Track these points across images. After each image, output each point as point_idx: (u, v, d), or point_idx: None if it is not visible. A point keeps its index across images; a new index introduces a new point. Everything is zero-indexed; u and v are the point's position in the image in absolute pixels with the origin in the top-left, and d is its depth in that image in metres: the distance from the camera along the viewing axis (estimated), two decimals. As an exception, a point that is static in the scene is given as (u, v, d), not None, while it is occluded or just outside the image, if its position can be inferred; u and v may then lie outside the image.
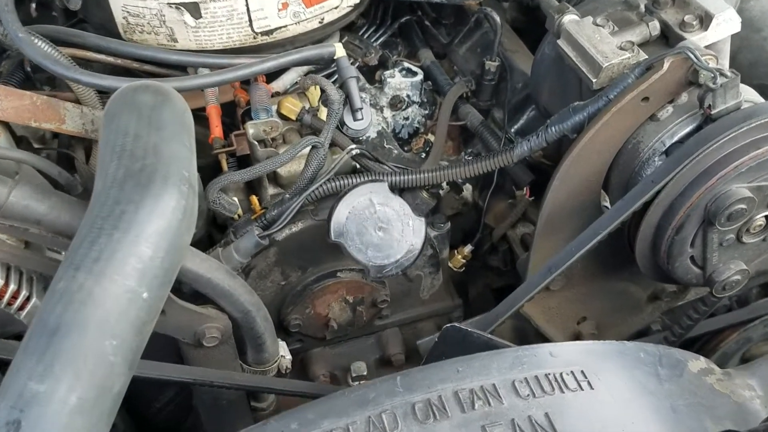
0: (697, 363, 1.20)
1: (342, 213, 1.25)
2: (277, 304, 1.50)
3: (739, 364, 1.77)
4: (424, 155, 1.82)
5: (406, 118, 1.87)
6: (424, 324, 1.70)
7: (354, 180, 1.38)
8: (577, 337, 1.63)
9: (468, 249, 1.77)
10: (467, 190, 1.77)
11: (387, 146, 1.80)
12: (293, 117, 1.51)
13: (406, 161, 1.79)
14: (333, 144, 1.54)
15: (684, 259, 1.27)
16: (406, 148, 1.86)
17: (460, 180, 1.41)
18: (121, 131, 1.07)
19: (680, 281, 1.31)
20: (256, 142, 1.41)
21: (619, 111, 1.24)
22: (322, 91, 1.48)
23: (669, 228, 1.22)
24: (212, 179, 1.40)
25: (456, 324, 1.14)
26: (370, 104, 1.82)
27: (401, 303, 1.63)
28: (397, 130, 1.87)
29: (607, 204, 1.44)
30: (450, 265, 1.77)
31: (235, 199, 1.41)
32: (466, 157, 1.82)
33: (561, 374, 1.01)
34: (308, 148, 1.41)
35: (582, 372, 1.03)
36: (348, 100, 1.51)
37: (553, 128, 1.32)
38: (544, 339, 1.63)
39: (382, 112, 1.84)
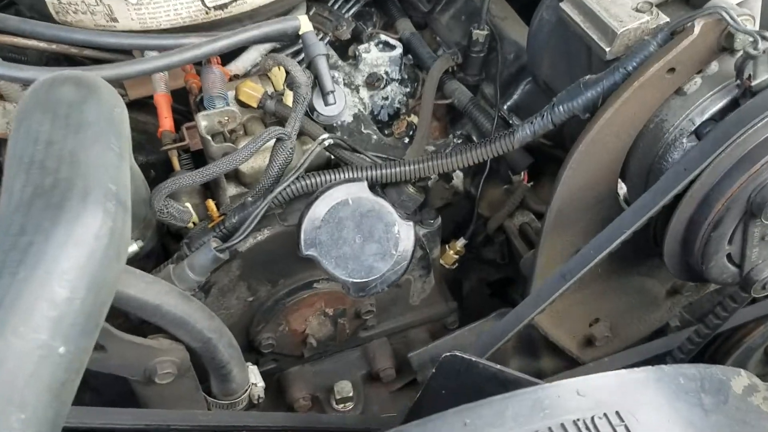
0: (740, 380, 1.02)
1: (314, 221, 1.04)
2: (244, 323, 1.30)
3: (763, 357, 1.61)
4: (407, 139, 1.61)
5: (386, 98, 1.65)
6: (416, 332, 1.51)
7: (328, 178, 1.17)
8: (589, 340, 1.44)
9: (461, 243, 1.57)
10: (458, 177, 1.57)
11: (365, 131, 1.59)
12: (254, 104, 1.29)
13: (387, 148, 1.58)
14: (302, 134, 1.33)
15: (720, 258, 1.08)
16: (386, 132, 1.65)
17: (451, 170, 1.22)
18: (31, 137, 0.85)
19: (713, 281, 1.13)
20: (210, 137, 1.19)
21: (641, 86, 1.03)
22: (287, 72, 1.26)
23: (705, 223, 1.03)
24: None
25: (457, 353, 0.94)
26: (344, 84, 1.60)
27: (389, 311, 1.44)
28: (375, 112, 1.65)
29: (624, 192, 1.24)
30: (441, 262, 1.57)
31: (188, 204, 1.19)
32: (455, 140, 1.61)
33: (592, 419, 0.83)
34: (272, 141, 1.19)
35: (617, 413, 0.84)
36: (317, 81, 1.29)
37: (560, 107, 1.11)
38: (551, 346, 1.44)
39: (357, 92, 1.62)
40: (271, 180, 1.19)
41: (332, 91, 1.29)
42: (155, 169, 1.44)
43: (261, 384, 1.26)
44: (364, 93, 1.63)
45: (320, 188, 1.08)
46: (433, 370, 0.96)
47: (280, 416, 1.22)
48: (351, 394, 1.37)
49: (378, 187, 1.26)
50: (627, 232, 1.01)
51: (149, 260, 1.28)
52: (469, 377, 0.95)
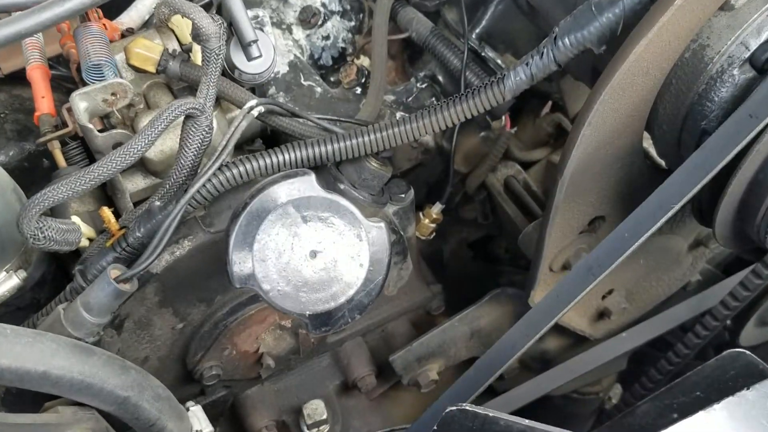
0: None
1: (245, 239, 0.74)
2: (178, 354, 1.01)
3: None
4: (359, 89, 1.30)
5: (326, 37, 1.33)
6: (396, 324, 1.24)
7: (261, 163, 0.86)
8: (602, 314, 1.20)
9: (437, 209, 1.29)
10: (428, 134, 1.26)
11: (306, 83, 1.27)
12: (151, 68, 0.96)
13: (335, 102, 1.26)
14: (223, 100, 1.01)
15: (790, 224, 0.82)
16: (333, 80, 1.33)
17: (423, 135, 0.93)
18: None
19: (774, 250, 0.88)
20: (90, 125, 0.86)
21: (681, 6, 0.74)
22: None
23: (775, 185, 0.77)
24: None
25: (466, 407, 0.68)
26: (272, 25, 1.27)
27: (360, 308, 1.16)
28: (316, 55, 1.33)
29: (650, 149, 0.97)
30: (416, 234, 1.29)
31: (76, 219, 0.88)
32: (417, 84, 1.31)
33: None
34: (181, 118, 0.88)
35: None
36: (233, 29, 0.97)
37: (566, 40, 0.82)
38: (561, 330, 1.20)
39: (290, 32, 1.29)
40: (184, 173, 0.88)
41: (255, 41, 0.98)
42: (49, 157, 1.11)
43: (208, 429, 0.99)
44: (299, 33, 1.30)
45: (249, 191, 0.77)
46: (435, 428, 0.69)
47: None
48: (324, 416, 1.11)
49: (332, 165, 0.97)
50: (675, 206, 0.74)
51: (41, 289, 0.97)
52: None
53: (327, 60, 1.35)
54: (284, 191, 0.74)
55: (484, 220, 1.47)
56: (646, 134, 0.92)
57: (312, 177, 0.76)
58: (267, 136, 1.12)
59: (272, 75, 1.07)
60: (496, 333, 1.24)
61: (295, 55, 1.28)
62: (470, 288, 1.57)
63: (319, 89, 1.25)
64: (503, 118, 1.28)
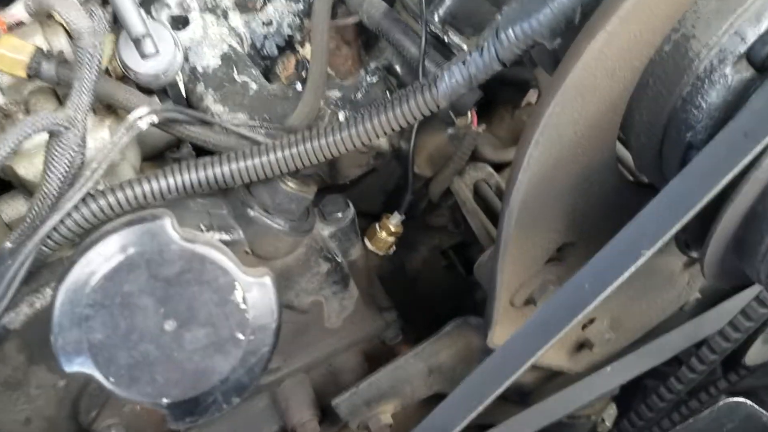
0: None
1: (72, 307, 0.57)
2: (68, 413, 0.85)
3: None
4: (299, 85, 1.12)
5: (269, 23, 1.15)
6: (344, 358, 1.08)
7: (138, 191, 0.70)
8: (583, 345, 1.03)
9: (395, 221, 1.13)
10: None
11: (240, 78, 1.09)
12: (22, 73, 0.79)
13: (272, 100, 1.09)
14: (115, 107, 0.85)
15: (798, 263, 0.64)
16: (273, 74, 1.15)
17: (343, 152, 0.75)
18: None
19: (780, 290, 0.70)
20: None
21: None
22: (63, 14, 0.76)
23: (779, 220, 0.58)
24: None
25: None
26: (203, 10, 1.10)
27: (297, 344, 1.00)
28: (258, 44, 1.15)
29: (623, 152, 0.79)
30: (372, 249, 1.13)
31: None
32: (368, 77, 1.12)
33: None
34: (43, 137, 0.71)
35: None
36: (120, 21, 0.80)
37: (511, 32, 0.63)
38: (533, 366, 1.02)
39: (226, 19, 1.12)
40: (47, 203, 0.72)
41: (144, 35, 0.80)
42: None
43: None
44: (236, 19, 1.13)
45: (80, 245, 0.61)
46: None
47: None
48: (258, 471, 0.96)
49: (241, 188, 0.80)
50: (647, 253, 0.57)
51: None
52: None
53: (271, 50, 1.17)
54: (127, 243, 0.57)
55: (455, 228, 1.30)
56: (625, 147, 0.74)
57: (166, 221, 0.59)
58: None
59: (176, 74, 0.91)
60: (460, 366, 1.07)
61: (230, 45, 1.11)
62: (441, 303, 1.40)
63: (254, 85, 1.08)
64: (469, 113, 1.10)
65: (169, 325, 0.58)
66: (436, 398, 1.16)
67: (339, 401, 0.99)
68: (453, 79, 0.69)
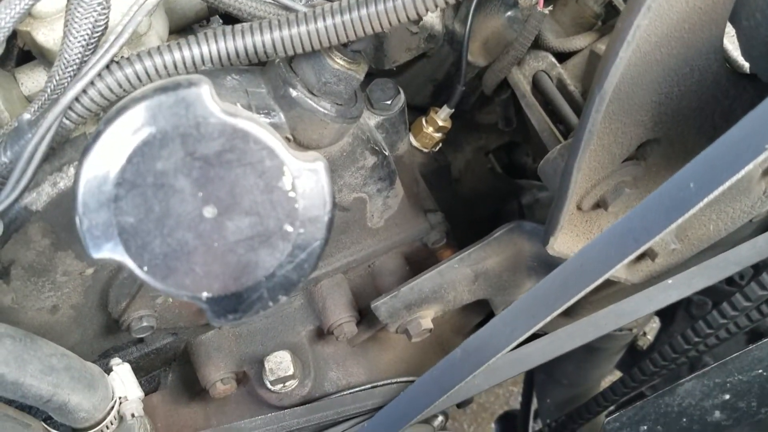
0: None
1: (101, 187, 0.49)
2: (97, 302, 0.80)
3: None
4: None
5: None
6: (385, 260, 1.01)
7: (168, 59, 0.60)
8: (644, 255, 0.95)
9: (444, 114, 1.04)
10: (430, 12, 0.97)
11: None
12: None
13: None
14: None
15: None
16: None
17: (398, 22, 0.65)
18: None
19: None
20: None
21: None
22: None
23: None
24: None
25: None
26: None
27: (337, 243, 0.93)
28: None
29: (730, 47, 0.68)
30: (417, 145, 1.04)
31: None
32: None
33: None
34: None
35: None
36: None
37: None
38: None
39: None
40: (69, 71, 0.63)
41: None
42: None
43: (135, 395, 0.80)
44: None
45: (106, 114, 0.52)
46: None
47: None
48: (291, 371, 0.91)
49: (281, 62, 0.70)
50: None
51: None
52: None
53: None
54: (158, 113, 0.48)
55: (506, 127, 1.20)
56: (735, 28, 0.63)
57: (204, 88, 0.50)
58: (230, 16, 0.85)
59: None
60: (508, 274, 1.00)
61: None
62: (485, 207, 1.32)
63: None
64: (534, -8, 0.98)
65: (209, 212, 0.50)
66: (478, 304, 1.10)
67: (379, 304, 0.93)
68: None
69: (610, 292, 1.08)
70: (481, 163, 1.33)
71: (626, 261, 0.55)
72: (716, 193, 0.50)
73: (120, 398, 0.79)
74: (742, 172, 0.50)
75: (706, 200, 0.51)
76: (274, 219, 0.51)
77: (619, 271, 0.96)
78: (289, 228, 0.51)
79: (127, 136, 0.49)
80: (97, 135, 0.49)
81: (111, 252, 0.50)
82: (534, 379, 1.79)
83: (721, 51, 0.64)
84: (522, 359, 0.95)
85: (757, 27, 0.61)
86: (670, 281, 0.97)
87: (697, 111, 0.69)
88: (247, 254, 0.51)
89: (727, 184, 0.50)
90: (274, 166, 0.50)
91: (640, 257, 0.97)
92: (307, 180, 0.51)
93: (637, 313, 0.96)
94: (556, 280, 0.59)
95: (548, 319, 0.60)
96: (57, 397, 0.70)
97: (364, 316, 1.02)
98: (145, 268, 0.51)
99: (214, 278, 0.52)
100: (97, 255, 0.50)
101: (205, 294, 0.52)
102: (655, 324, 1.45)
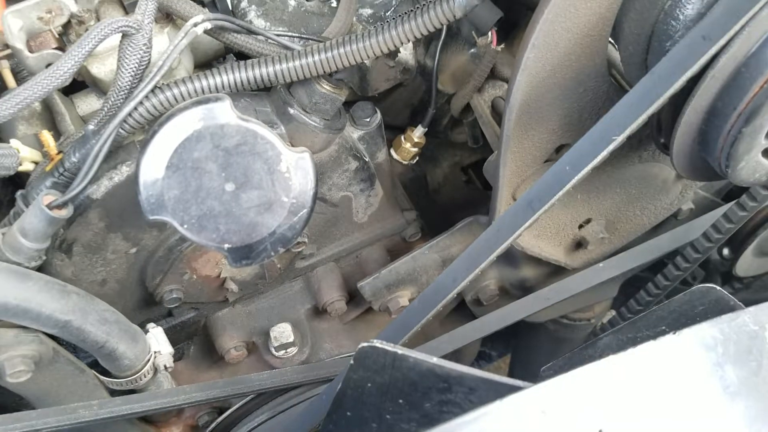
0: None
1: (155, 170, 0.72)
2: (136, 277, 1.02)
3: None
4: (334, 3, 1.23)
5: (306, -53, 1.25)
6: (370, 250, 1.22)
7: (197, 86, 0.83)
8: (579, 244, 1.16)
9: (419, 133, 1.25)
10: (405, 49, 1.20)
11: (280, -6, 1.20)
12: (93, -17, 0.92)
13: (309, 17, 1.20)
14: (173, 16, 0.97)
15: (754, 156, 0.75)
16: (311, -7, 1.26)
17: (371, 57, 0.87)
18: None
19: (740, 183, 0.81)
20: (20, 45, 0.84)
21: None
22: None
23: (733, 114, 0.70)
24: None
25: (376, 344, 0.66)
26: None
27: (329, 235, 1.14)
28: (296, -35, 1.26)
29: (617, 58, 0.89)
30: (397, 158, 1.25)
31: (16, 142, 0.87)
32: (396, -4, 1.23)
33: (562, 453, 0.56)
34: (117, 38, 0.85)
35: (600, 436, 0.57)
36: (179, -60, 0.92)
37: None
38: (535, 262, 1.16)
39: (268, -59, 1.22)
40: (122, 95, 0.85)
41: (201, -47, 0.92)
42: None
43: (167, 350, 1.01)
44: (277, -58, 1.23)
45: (159, 119, 0.74)
46: (352, 362, 0.68)
47: (187, 389, 0.97)
48: (291, 339, 1.12)
49: (281, 88, 0.92)
50: (617, 138, 0.69)
51: (-4, 212, 0.98)
52: (399, 371, 0.67)
53: (312, -31, 1.27)
54: (196, 118, 0.71)
55: (474, 144, 1.41)
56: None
57: (226, 103, 0.73)
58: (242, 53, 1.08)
59: (227, -11, 1.02)
60: (470, 260, 1.21)
61: (271, -34, 1.22)
62: (460, 214, 1.53)
63: (292, 2, 1.19)
64: (490, 33, 1.20)
65: (229, 187, 0.72)
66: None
67: (364, 284, 1.14)
68: (466, -7, 0.80)
69: (564, 276, 1.27)
70: (456, 177, 1.54)
71: (528, 224, 0.76)
72: (583, 173, 0.71)
73: (155, 353, 1.00)
74: (600, 158, 0.71)
75: (576, 178, 0.72)
76: (275, 192, 0.73)
77: (560, 256, 1.17)
78: (285, 198, 0.73)
79: (173, 135, 0.71)
80: (153, 134, 0.72)
81: (161, 215, 0.71)
82: (513, 375, 1.98)
83: (606, 74, 0.86)
84: (482, 326, 1.17)
85: (631, 56, 0.83)
86: (601, 265, 1.18)
87: (595, 120, 0.90)
88: (256, 217, 0.73)
89: (590, 166, 0.71)
90: (274, 155, 0.72)
91: (578, 246, 1.18)
92: (297, 165, 0.73)
93: (575, 288, 1.17)
94: (481, 240, 0.80)
95: (478, 270, 0.80)
96: (109, 344, 0.91)
97: (353, 298, 1.23)
98: (185, 226, 0.72)
99: (233, 234, 0.74)
100: (151, 217, 0.72)
101: (226, 245, 0.74)
102: (612, 315, 1.64)
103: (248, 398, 1.09)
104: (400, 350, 0.66)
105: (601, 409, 0.59)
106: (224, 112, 0.72)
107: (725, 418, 0.63)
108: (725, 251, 1.34)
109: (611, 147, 0.70)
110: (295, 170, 0.74)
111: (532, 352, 1.76)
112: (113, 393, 1.01)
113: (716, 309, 0.89)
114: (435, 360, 0.65)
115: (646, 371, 0.63)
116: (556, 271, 1.26)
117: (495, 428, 0.55)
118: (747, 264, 1.37)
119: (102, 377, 0.98)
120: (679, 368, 0.64)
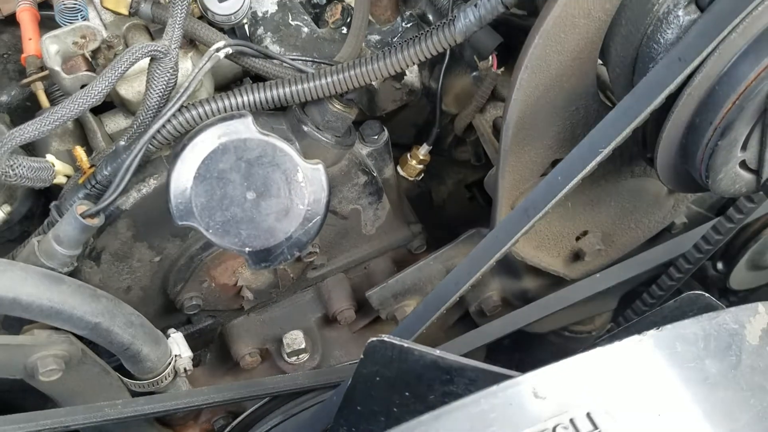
0: (758, 322, 0.81)
1: (184, 179, 0.79)
2: (159, 285, 1.08)
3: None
4: (345, 29, 1.31)
5: (319, -24, 1.33)
6: (377, 262, 1.28)
7: (221, 105, 0.90)
8: (578, 256, 1.21)
9: (424, 151, 1.32)
10: (411, 72, 1.28)
11: (293, 22, 1.28)
12: (124, 10, 1.00)
13: (321, 42, 1.28)
14: (197, 42, 1.05)
15: (731, 167, 0.82)
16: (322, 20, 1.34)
17: (378, 78, 0.94)
18: None
19: (722, 194, 0.87)
20: (57, 67, 0.92)
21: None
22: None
23: (709, 129, 0.76)
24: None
25: (385, 338, 0.72)
26: (262, -36, 1.28)
27: (339, 246, 1.21)
28: (309, -6, 1.34)
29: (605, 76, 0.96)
30: (403, 174, 1.32)
31: (50, 157, 0.94)
32: (403, 23, 1.31)
33: (554, 430, 0.61)
34: (146, 61, 0.92)
35: (588, 416, 0.63)
36: (202, -29, 1.00)
37: (511, -19, 0.81)
38: (536, 273, 1.22)
39: (283, -30, 1.30)
40: (150, 114, 0.93)
41: (223, -18, 1.00)
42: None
43: (187, 354, 1.07)
44: (291, -28, 1.31)
45: (189, 133, 0.82)
46: (362, 356, 0.75)
47: (211, 391, 1.03)
48: (303, 345, 1.18)
49: (296, 107, 1.00)
50: (606, 148, 0.75)
51: (30, 222, 1.05)
52: (405, 364, 0.73)
53: (322, -1, 1.36)
54: (221, 133, 0.78)
55: (477, 162, 1.48)
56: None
57: (248, 119, 0.80)
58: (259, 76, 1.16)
59: (245, 16, 1.10)
60: (473, 271, 1.27)
61: (286, -6, 1.30)
62: (464, 229, 1.60)
63: (306, 29, 1.27)
64: (490, 57, 1.28)
65: (251, 195, 0.79)
66: (456, 302, 1.37)
67: (372, 293, 1.21)
68: (467, 19, 0.87)
69: (563, 287, 1.32)
70: (460, 194, 1.60)
71: (525, 230, 0.82)
72: (573, 182, 0.78)
73: (175, 356, 1.06)
74: (588, 168, 0.77)
75: (568, 187, 0.78)
76: (292, 200, 0.79)
77: (559, 267, 1.23)
78: (300, 206, 0.80)
79: (201, 148, 0.78)
80: (183, 147, 0.79)
81: (191, 223, 0.78)
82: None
83: (596, 95, 0.93)
84: (485, 334, 1.22)
85: (618, 77, 0.90)
86: (597, 275, 1.24)
87: (588, 136, 0.97)
88: (274, 223, 0.80)
89: (579, 176, 0.77)
90: (292, 166, 0.79)
91: (576, 258, 1.24)
92: (312, 175, 0.79)
93: (573, 298, 1.23)
94: (482, 246, 0.86)
95: (479, 274, 0.86)
96: (134, 346, 0.97)
97: (362, 308, 1.29)
98: (210, 231, 0.79)
99: (253, 238, 0.80)
100: (180, 223, 0.79)
101: (247, 249, 0.81)
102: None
103: (261, 402, 1.15)
104: (406, 343, 0.72)
105: (589, 393, 0.65)
106: (247, 127, 0.79)
107: (704, 405, 0.68)
108: (719, 265, 1.39)
109: (598, 159, 0.76)
110: (311, 180, 0.81)
111: (536, 366, 1.81)
112: (134, 395, 1.07)
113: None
114: (438, 352, 0.71)
115: (631, 361, 0.69)
116: (557, 283, 1.32)
117: (490, 410, 0.61)
118: (741, 277, 1.42)
119: (125, 379, 1.04)
120: (661, 359, 0.69)
